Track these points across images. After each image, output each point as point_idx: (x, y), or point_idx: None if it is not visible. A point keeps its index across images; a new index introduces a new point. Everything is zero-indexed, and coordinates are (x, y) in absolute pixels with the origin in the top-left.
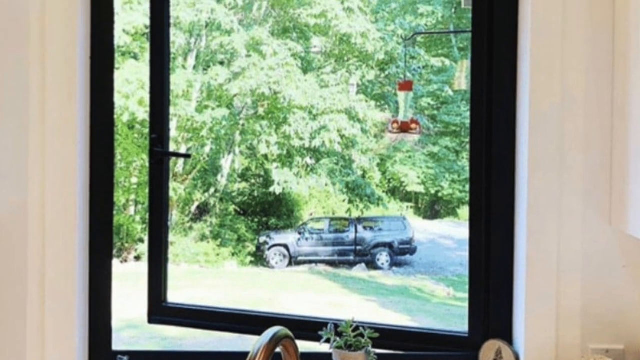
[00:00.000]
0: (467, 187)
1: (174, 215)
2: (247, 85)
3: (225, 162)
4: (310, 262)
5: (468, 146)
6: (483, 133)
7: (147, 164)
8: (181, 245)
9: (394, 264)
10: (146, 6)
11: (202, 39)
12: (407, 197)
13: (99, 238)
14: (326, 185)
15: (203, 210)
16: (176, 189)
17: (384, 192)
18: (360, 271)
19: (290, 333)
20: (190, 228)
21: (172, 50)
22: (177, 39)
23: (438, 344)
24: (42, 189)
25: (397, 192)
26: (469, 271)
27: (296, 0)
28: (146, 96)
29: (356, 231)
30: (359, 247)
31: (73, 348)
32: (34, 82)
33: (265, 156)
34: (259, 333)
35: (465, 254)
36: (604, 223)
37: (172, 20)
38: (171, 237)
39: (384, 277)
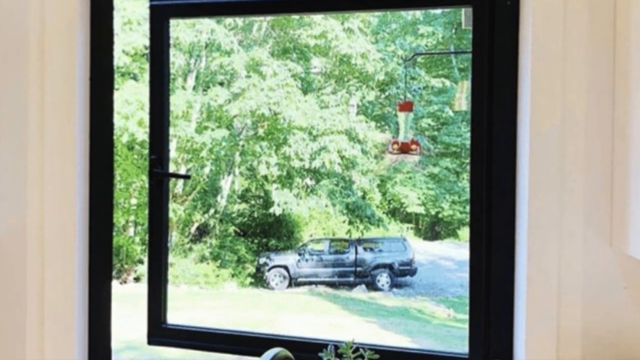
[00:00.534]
0: (468, 208)
1: (174, 237)
2: (247, 106)
3: (225, 183)
4: (310, 283)
5: (468, 167)
6: (483, 154)
7: (147, 185)
8: (181, 266)
9: (394, 285)
10: (146, 27)
11: (201, 59)
12: (407, 218)
13: (99, 259)
14: (326, 206)
15: (203, 232)
16: (176, 210)
17: (384, 213)
18: (360, 292)
19: (290, 354)
20: (190, 249)
21: (172, 71)
22: (176, 59)
23: None
24: (41, 210)
25: (397, 213)
26: (469, 292)
27: (296, 20)
28: (146, 117)
29: (356, 252)
30: (359, 268)
31: None
32: (33, 103)
33: (265, 177)
34: (259, 354)
35: (465, 275)
36: (604, 244)
37: (171, 41)
38: (171, 258)
39: (384, 299)
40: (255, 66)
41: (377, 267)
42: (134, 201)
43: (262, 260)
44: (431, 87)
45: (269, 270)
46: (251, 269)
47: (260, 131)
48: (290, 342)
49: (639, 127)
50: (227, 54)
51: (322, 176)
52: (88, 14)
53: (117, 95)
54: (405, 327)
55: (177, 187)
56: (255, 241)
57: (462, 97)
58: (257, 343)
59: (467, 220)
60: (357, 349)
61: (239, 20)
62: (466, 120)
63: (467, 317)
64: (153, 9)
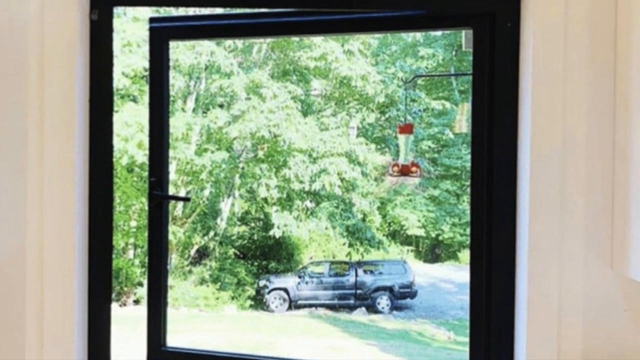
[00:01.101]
0: (468, 231)
1: (173, 259)
2: (246, 128)
3: (225, 206)
4: (310, 305)
5: (469, 189)
6: (484, 176)
7: (146, 208)
8: (180, 288)
9: (395, 307)
10: (145, 49)
11: (201, 81)
12: (407, 240)
13: (98, 282)
14: (326, 228)
15: (202, 254)
16: (175, 233)
17: (384, 235)
18: (360, 315)
19: None
20: (190, 272)
21: (172, 93)
22: (176, 81)
23: None
24: (40, 232)
25: (397, 235)
26: (469, 315)
27: (296, 42)
28: (145, 139)
29: (356, 275)
30: (359, 291)
31: None
32: (32, 125)
33: (265, 199)
34: None
35: (466, 298)
36: (605, 267)
37: (171, 63)
38: (170, 281)
39: (385, 321)
40: (255, 88)
41: (377, 289)
42: (133, 223)
43: (262, 282)
44: (431, 109)
45: (268, 292)
46: (251, 292)
47: (260, 153)
48: None
49: (639, 149)
50: (226, 76)
51: (322, 198)
52: (88, 35)
53: (116, 117)
54: (406, 349)
55: (177, 209)
56: (255, 264)
57: (462, 119)
58: None
59: (468, 242)
60: None
61: (239, 42)
62: (467, 143)
63: (467, 339)
64: (153, 30)
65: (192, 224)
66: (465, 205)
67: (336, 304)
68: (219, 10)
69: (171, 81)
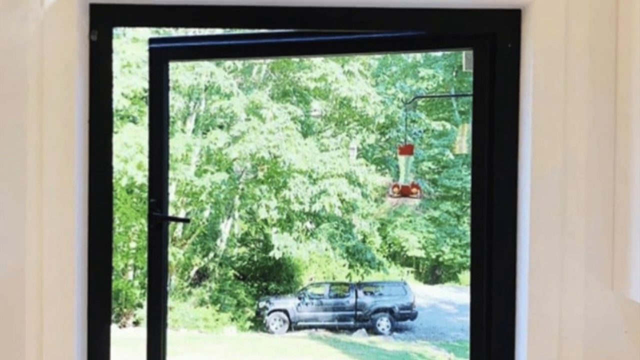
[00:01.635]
0: (468, 252)
1: (173, 280)
2: (246, 149)
3: (225, 227)
4: (310, 327)
5: (469, 210)
6: (484, 197)
7: (146, 229)
8: (180, 310)
9: (395, 329)
10: (145, 70)
11: (201, 102)
12: (407, 261)
13: (97, 303)
14: (326, 249)
15: (202, 275)
16: (175, 254)
17: (384, 256)
18: (360, 336)
19: None
20: (190, 293)
21: (171, 113)
22: (176, 102)
23: None
24: (39, 253)
25: (397, 256)
26: (470, 336)
27: (296, 63)
28: (145, 160)
29: (356, 296)
30: (359, 312)
31: None
32: (31, 146)
33: (265, 221)
34: None
35: (466, 319)
36: (606, 288)
37: (171, 84)
38: (170, 302)
39: (385, 343)
40: (255, 109)
41: (378, 311)
42: (133, 245)
43: (262, 304)
44: (432, 130)
45: (268, 314)
46: (251, 313)
47: (260, 174)
48: None
49: None
50: (226, 96)
51: (322, 219)
52: (87, 56)
53: (116, 138)
54: None
55: (177, 230)
56: (255, 285)
57: (462, 140)
58: None
59: (468, 264)
60: None
61: (239, 63)
62: (467, 164)
63: None
64: (152, 51)
65: (192, 245)
66: (465, 226)
67: (336, 325)
68: (218, 31)
69: (171, 102)
